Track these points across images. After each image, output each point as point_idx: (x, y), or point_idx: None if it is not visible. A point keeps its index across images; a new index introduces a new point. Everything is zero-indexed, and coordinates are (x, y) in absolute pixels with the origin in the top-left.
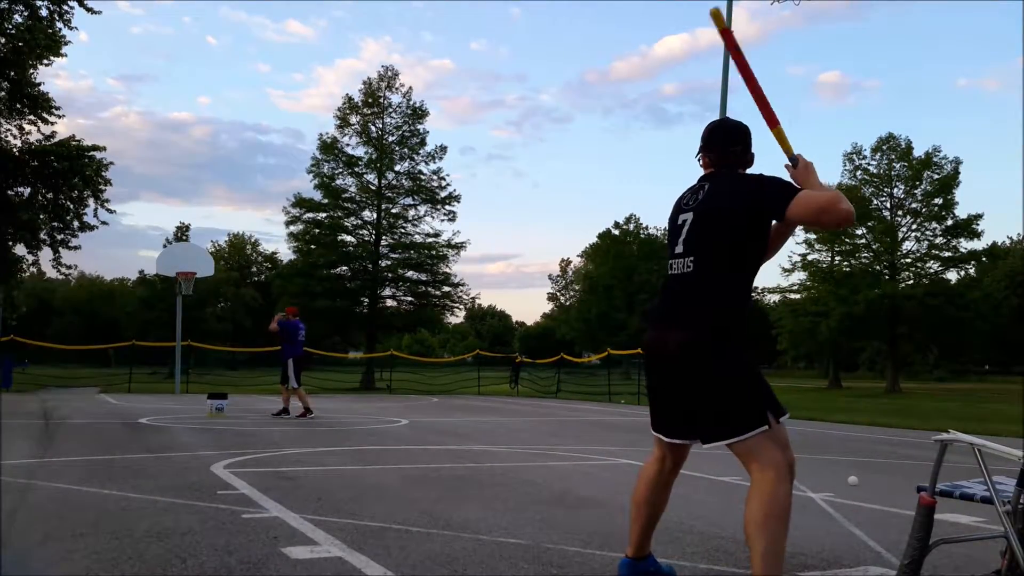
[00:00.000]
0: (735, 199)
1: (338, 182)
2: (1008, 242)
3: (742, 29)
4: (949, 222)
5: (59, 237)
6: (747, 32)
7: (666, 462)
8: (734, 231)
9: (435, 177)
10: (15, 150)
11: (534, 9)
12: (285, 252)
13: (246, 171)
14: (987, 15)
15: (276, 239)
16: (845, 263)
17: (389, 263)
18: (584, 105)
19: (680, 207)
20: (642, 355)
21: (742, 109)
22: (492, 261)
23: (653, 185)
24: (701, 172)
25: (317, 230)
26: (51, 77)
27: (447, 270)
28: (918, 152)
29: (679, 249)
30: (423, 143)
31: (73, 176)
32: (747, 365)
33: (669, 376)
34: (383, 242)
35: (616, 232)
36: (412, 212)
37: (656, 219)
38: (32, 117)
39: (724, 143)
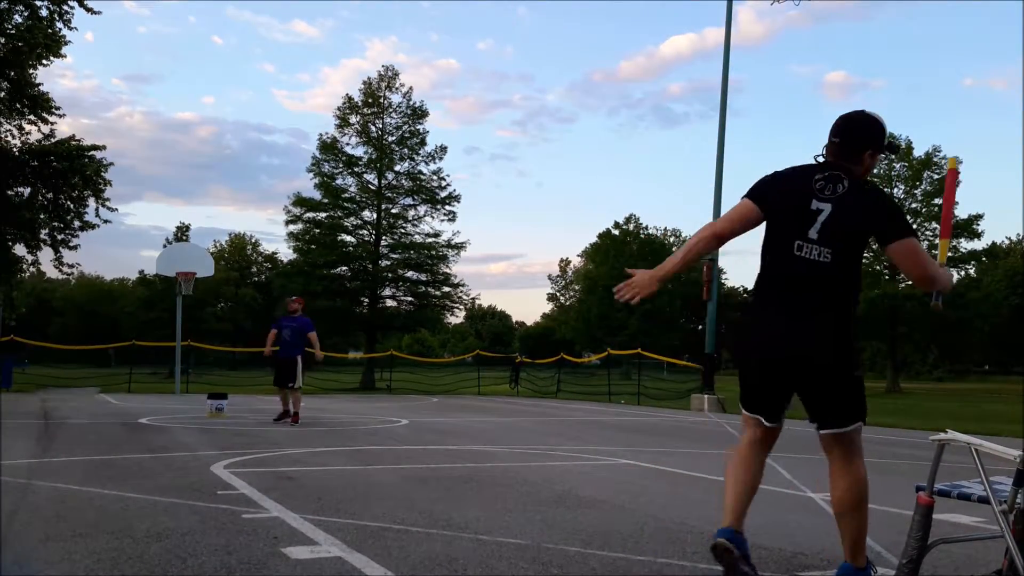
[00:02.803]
0: (872, 210)
1: (338, 182)
2: (1008, 242)
3: (748, 29)
4: None
5: (59, 237)
6: (753, 32)
7: (764, 443)
8: (865, 236)
9: (435, 177)
10: (15, 150)
11: (541, 9)
12: (286, 252)
13: (250, 171)
14: (994, 14)
15: (279, 239)
16: None
17: (389, 263)
18: (589, 105)
19: (813, 191)
20: (750, 337)
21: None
22: (495, 261)
23: (654, 185)
24: (704, 172)
25: (317, 230)
26: (56, 77)
27: (447, 270)
28: (918, 152)
29: (814, 236)
30: (423, 143)
31: (73, 176)
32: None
33: (799, 364)
34: (383, 242)
35: (616, 232)
36: (412, 212)
37: (656, 219)
38: (32, 117)
39: (862, 143)
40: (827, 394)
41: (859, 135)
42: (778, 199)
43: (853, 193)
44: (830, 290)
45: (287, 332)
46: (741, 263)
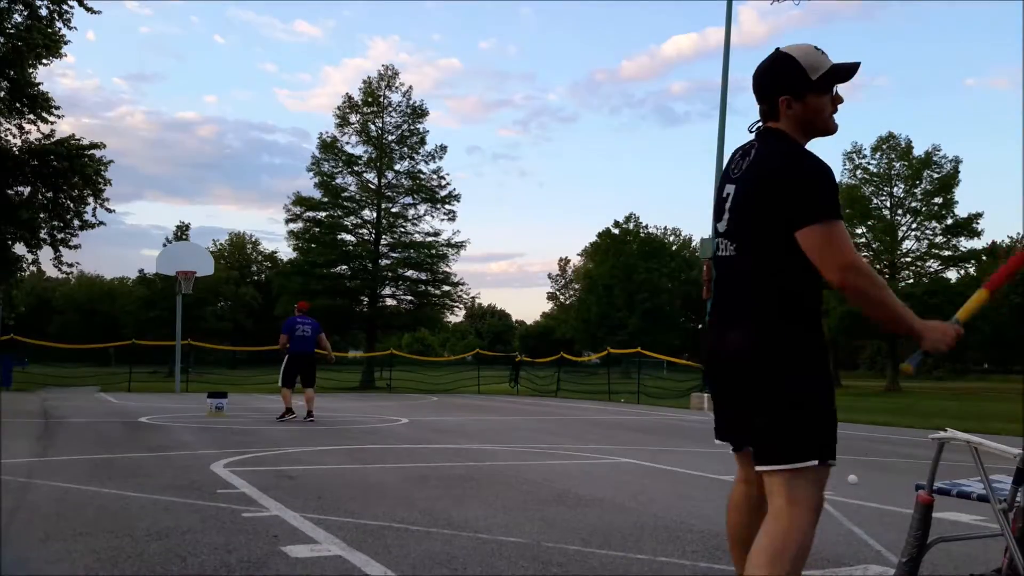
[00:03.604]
0: (769, 184)
1: (338, 181)
2: (1008, 241)
3: (751, 29)
4: (949, 221)
5: (59, 236)
6: (755, 32)
7: (749, 481)
8: (765, 220)
9: (435, 176)
10: (15, 149)
11: (543, 8)
12: (285, 251)
13: (251, 170)
14: (996, 14)
15: (280, 238)
16: None
17: (389, 262)
18: (592, 104)
19: (729, 172)
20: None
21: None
22: (495, 260)
23: (655, 184)
24: (705, 172)
25: (317, 229)
26: (58, 76)
27: (447, 269)
28: (918, 151)
29: (722, 228)
30: (423, 142)
31: (73, 175)
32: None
33: (730, 379)
34: (383, 241)
35: (616, 231)
36: (412, 211)
37: (656, 218)
38: (32, 116)
39: (770, 90)
40: (755, 420)
41: (764, 82)
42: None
43: (756, 163)
44: (741, 293)
45: (307, 328)
46: None
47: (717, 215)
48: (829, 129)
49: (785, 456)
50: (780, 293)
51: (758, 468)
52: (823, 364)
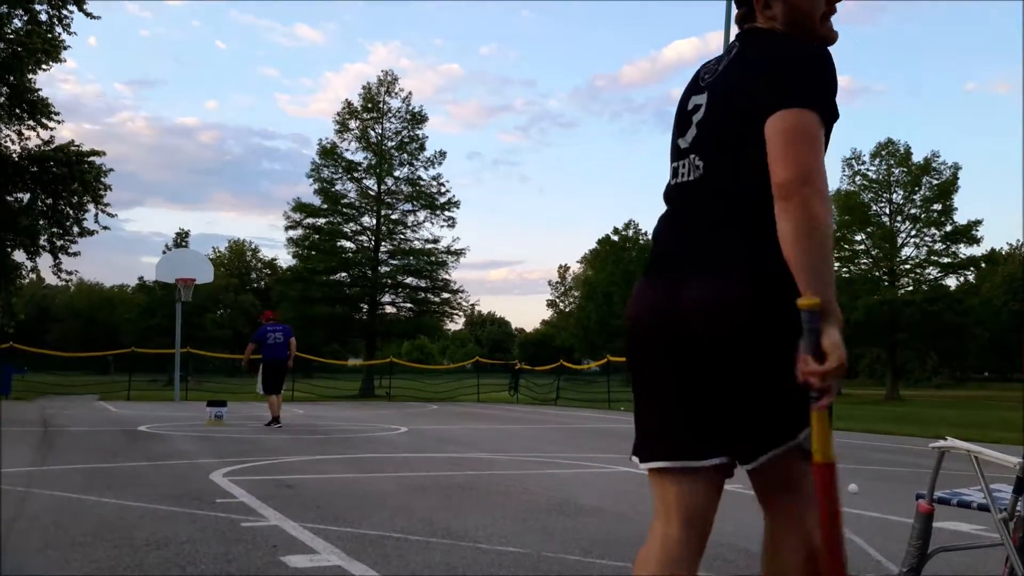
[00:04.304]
0: (750, 72)
1: (337, 187)
2: (1007, 248)
3: None
4: (948, 228)
5: (59, 243)
6: None
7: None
8: (742, 118)
9: (434, 183)
10: (14, 155)
11: (544, 14)
12: (285, 258)
13: (251, 177)
14: (997, 18)
15: (280, 245)
16: (844, 269)
17: (388, 269)
18: (592, 110)
19: (694, 85)
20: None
21: None
22: (496, 267)
23: (655, 191)
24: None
25: (316, 236)
26: (59, 82)
27: (446, 276)
28: (917, 158)
29: (686, 144)
30: (422, 148)
31: (72, 182)
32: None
33: (679, 357)
34: (382, 248)
35: (615, 238)
36: (411, 218)
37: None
38: (31, 122)
39: None
40: (746, 403)
41: None
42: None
43: (735, 60)
44: (709, 228)
45: (279, 335)
46: None
47: (679, 130)
48: (826, 37)
49: (798, 424)
50: (771, 223)
51: (762, 458)
52: None
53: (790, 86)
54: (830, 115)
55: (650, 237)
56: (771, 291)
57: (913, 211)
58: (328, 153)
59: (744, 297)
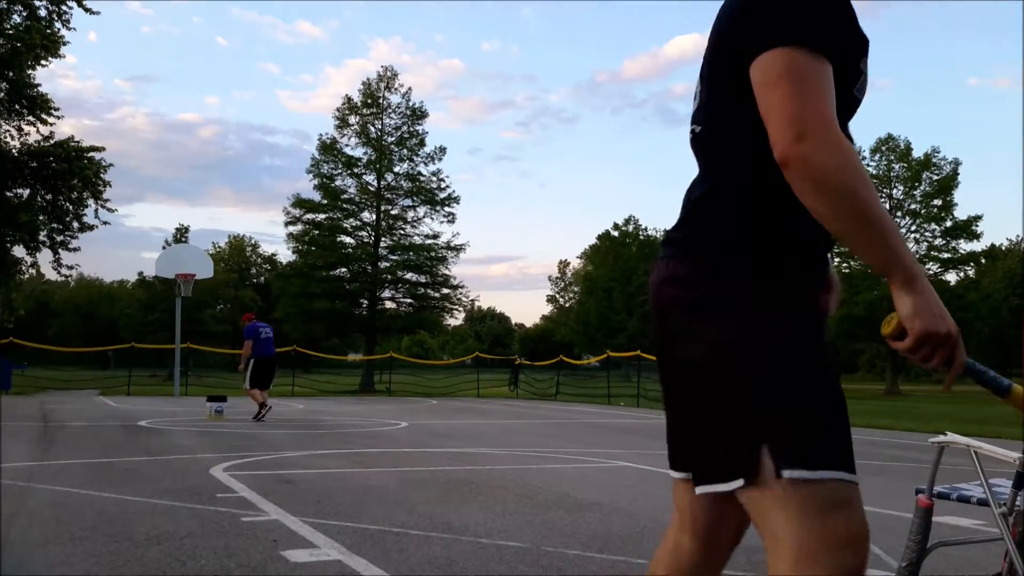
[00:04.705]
0: (728, 10)
1: (337, 183)
2: (1007, 243)
3: None
4: (948, 223)
5: (58, 238)
6: None
7: (689, 528)
8: (724, 60)
9: (434, 178)
10: (14, 151)
11: (545, 9)
12: (285, 253)
13: (252, 172)
14: (1000, 14)
15: (280, 241)
16: (844, 264)
17: (388, 265)
18: (593, 105)
19: None
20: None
21: None
22: (496, 263)
23: (655, 186)
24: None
25: (316, 231)
26: (59, 77)
27: (446, 272)
28: (917, 153)
29: (694, 107)
30: (422, 144)
31: (72, 177)
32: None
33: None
34: (382, 244)
35: (615, 234)
36: (411, 213)
37: (656, 221)
38: (31, 118)
39: None
40: (677, 405)
41: None
42: None
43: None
44: (697, 196)
45: (269, 331)
46: None
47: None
48: None
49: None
50: (761, 190)
51: (700, 489)
52: (813, 319)
53: (765, 22)
54: (830, 43)
55: (650, 233)
56: (736, 279)
57: (913, 207)
58: (328, 149)
59: (693, 290)
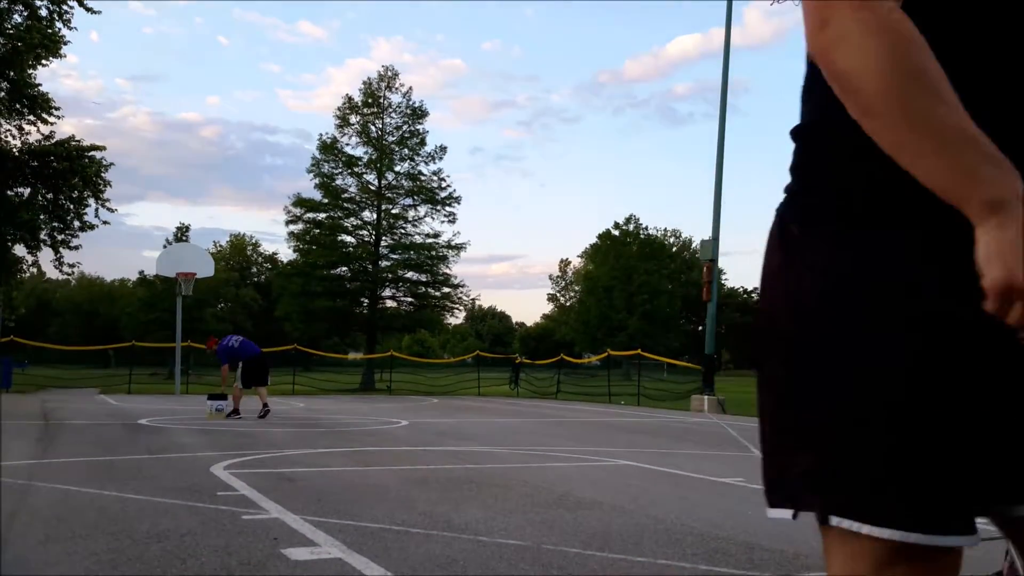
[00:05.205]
0: None
1: (338, 182)
2: None
3: (756, 30)
4: None
5: (59, 237)
6: (761, 32)
7: None
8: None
9: (435, 178)
10: (15, 150)
11: (547, 9)
12: (286, 252)
13: (253, 172)
14: None
15: (280, 239)
16: None
17: (389, 264)
18: (595, 105)
19: None
20: None
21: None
22: (497, 262)
23: (657, 186)
24: (706, 172)
25: (317, 230)
26: (61, 77)
27: (447, 271)
28: None
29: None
30: (423, 143)
31: (73, 176)
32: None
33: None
34: (383, 243)
35: (616, 233)
36: (412, 213)
37: (657, 220)
38: (31, 117)
39: None
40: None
41: None
42: None
43: None
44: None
45: (238, 338)
46: (741, 263)
47: None
48: None
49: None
50: (846, 162)
51: (771, 513)
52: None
53: None
54: None
55: (651, 232)
56: (815, 250)
57: None
58: (328, 148)
59: (774, 263)
